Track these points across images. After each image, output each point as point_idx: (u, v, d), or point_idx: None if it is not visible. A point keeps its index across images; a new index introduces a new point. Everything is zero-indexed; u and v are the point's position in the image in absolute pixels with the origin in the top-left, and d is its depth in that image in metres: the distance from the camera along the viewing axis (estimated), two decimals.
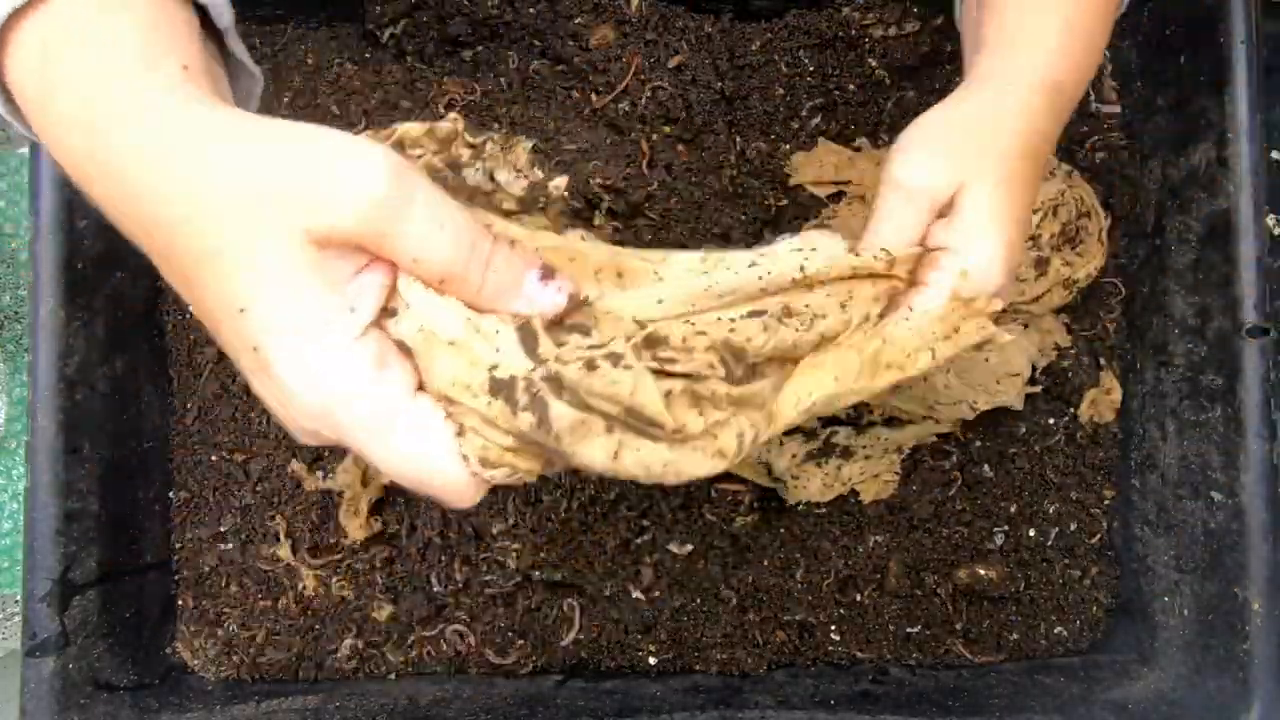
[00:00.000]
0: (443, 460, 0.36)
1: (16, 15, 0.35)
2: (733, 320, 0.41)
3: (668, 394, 0.38)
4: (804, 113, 0.81)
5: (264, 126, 0.36)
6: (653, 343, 0.38)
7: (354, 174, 0.35)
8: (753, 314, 0.42)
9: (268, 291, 0.35)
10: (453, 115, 0.44)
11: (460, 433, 0.37)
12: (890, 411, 0.77)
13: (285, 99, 0.80)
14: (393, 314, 0.37)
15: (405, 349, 0.37)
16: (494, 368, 0.36)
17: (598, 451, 0.37)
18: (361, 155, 0.35)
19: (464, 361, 0.36)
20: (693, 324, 0.40)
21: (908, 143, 0.55)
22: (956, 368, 0.75)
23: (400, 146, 0.41)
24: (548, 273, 0.38)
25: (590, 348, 0.37)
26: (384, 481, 0.76)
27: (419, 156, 0.41)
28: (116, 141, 0.36)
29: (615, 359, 0.36)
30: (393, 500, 0.78)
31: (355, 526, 0.76)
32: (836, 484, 0.79)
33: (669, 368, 0.38)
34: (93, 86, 0.36)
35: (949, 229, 0.53)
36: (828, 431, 0.78)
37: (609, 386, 0.36)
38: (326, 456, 0.78)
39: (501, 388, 0.36)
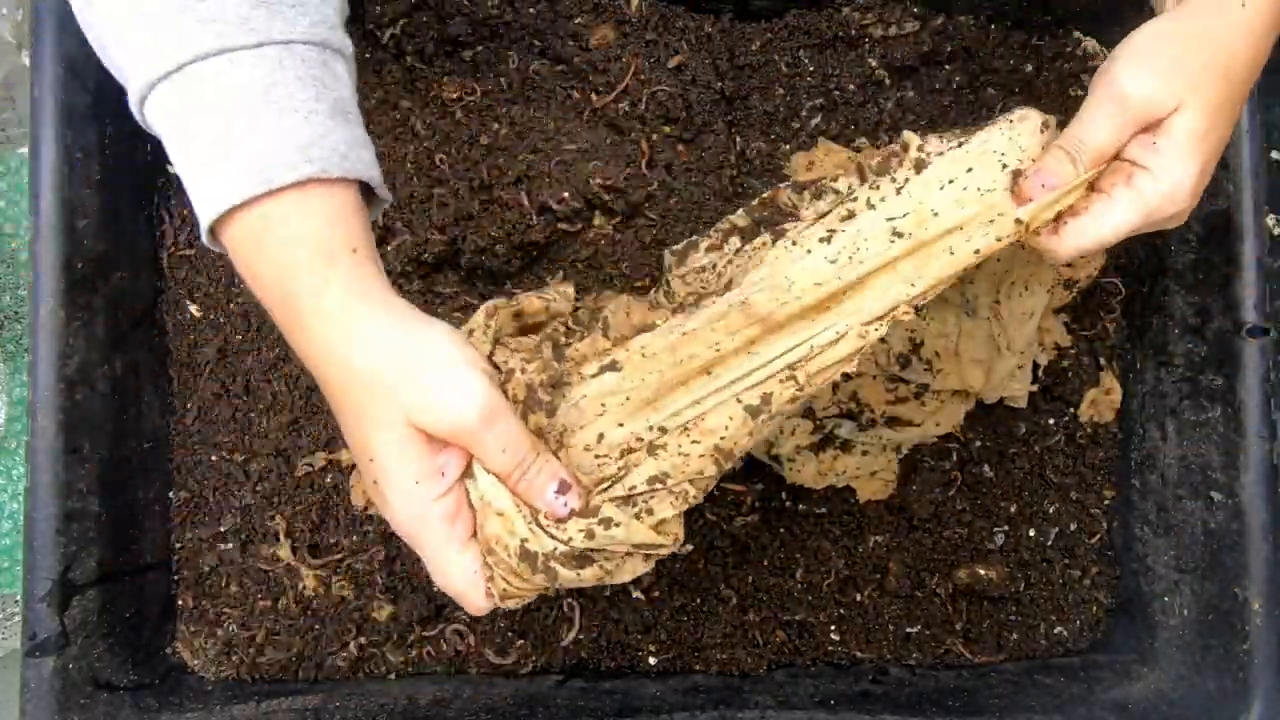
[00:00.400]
0: (474, 593, 0.54)
1: (248, 203, 0.48)
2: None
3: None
4: (804, 113, 0.81)
5: (403, 329, 0.51)
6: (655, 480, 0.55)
7: (457, 403, 0.50)
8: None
9: (387, 450, 0.51)
10: (566, 290, 0.61)
11: (490, 578, 0.54)
12: (891, 412, 0.77)
13: None
14: (471, 476, 0.53)
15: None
16: (525, 540, 0.52)
17: (589, 580, 0.54)
18: (467, 391, 0.50)
19: (506, 529, 0.53)
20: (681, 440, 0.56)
21: (1133, 49, 0.56)
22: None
23: (519, 315, 0.59)
24: (563, 488, 0.53)
25: (591, 522, 0.54)
26: None
27: (522, 372, 0.55)
28: (301, 316, 0.50)
29: (607, 523, 0.53)
30: None
31: (359, 494, 0.76)
32: (831, 474, 0.79)
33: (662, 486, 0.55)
34: (288, 272, 0.49)
35: (1154, 149, 0.55)
36: (832, 424, 0.78)
37: (611, 541, 0.53)
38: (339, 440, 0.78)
39: (527, 556, 0.53)
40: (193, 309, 0.80)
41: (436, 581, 0.55)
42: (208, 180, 0.49)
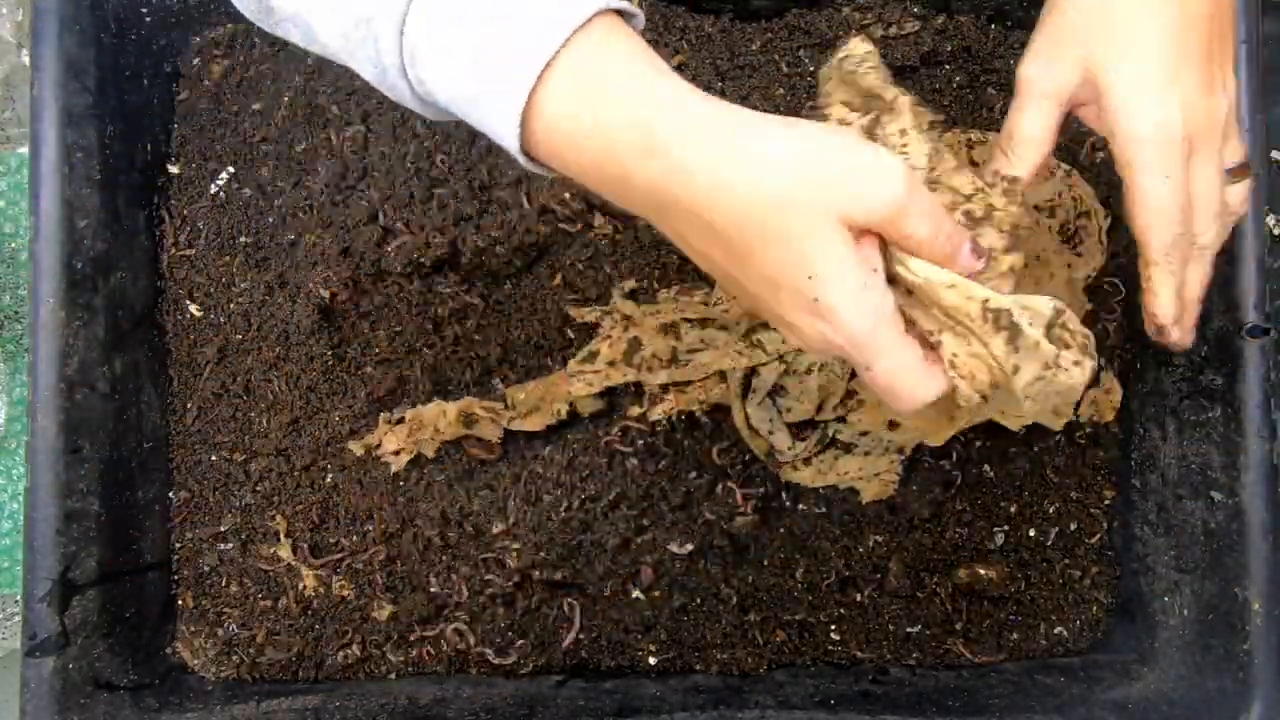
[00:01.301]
0: (931, 379, 0.51)
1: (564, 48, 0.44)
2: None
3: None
4: (804, 112, 0.81)
5: (798, 125, 0.46)
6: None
7: (886, 179, 0.46)
8: None
9: (828, 257, 0.46)
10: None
11: (936, 348, 0.52)
12: (891, 413, 0.77)
13: (285, 99, 0.80)
14: (890, 275, 0.50)
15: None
16: (987, 301, 0.50)
17: (1037, 368, 0.50)
18: (888, 165, 0.46)
19: (961, 296, 0.50)
20: None
21: (1034, 35, 0.55)
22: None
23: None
24: (976, 248, 0.50)
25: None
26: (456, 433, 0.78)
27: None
28: (672, 135, 0.45)
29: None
30: (394, 499, 0.78)
31: (391, 451, 0.77)
32: (831, 474, 0.79)
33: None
34: (640, 99, 0.45)
35: (1104, 115, 0.54)
36: (834, 430, 0.78)
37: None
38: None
39: (990, 313, 0.49)
40: (193, 309, 0.80)
41: (885, 372, 0.50)
42: (517, 41, 0.45)
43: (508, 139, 0.47)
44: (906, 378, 0.50)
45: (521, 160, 0.48)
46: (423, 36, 0.46)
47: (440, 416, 0.76)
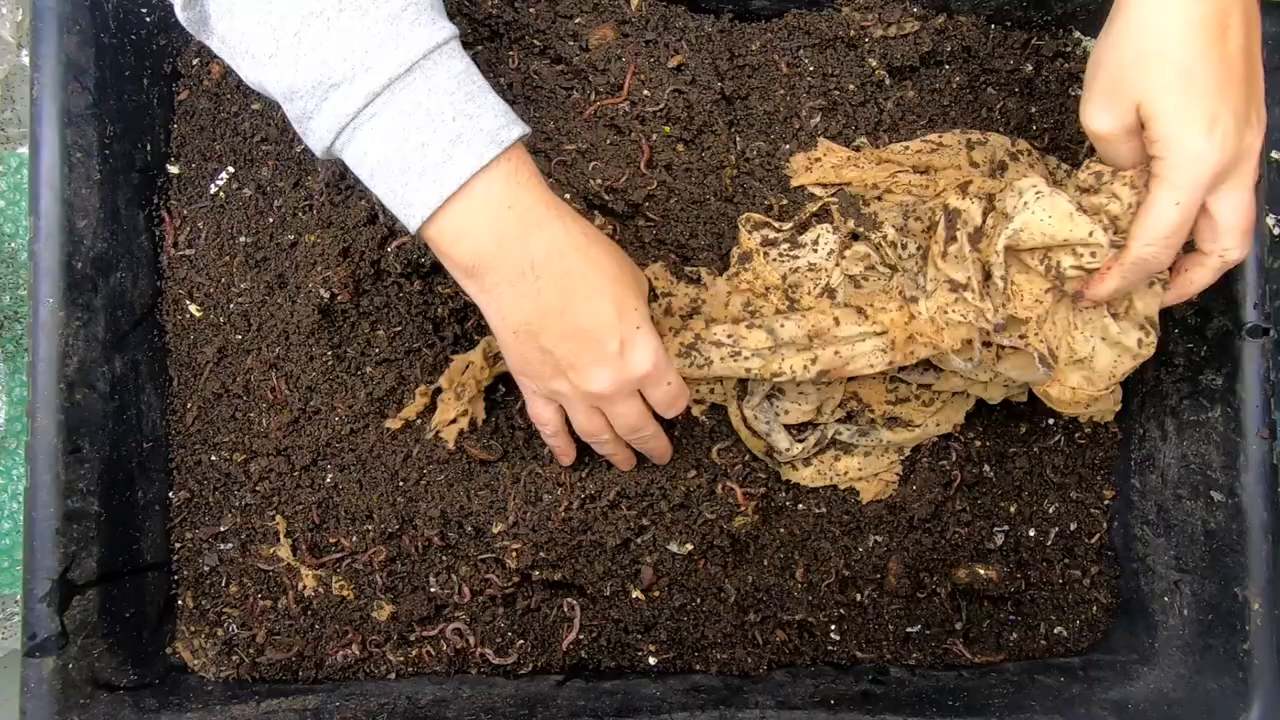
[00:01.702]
0: (678, 378, 0.70)
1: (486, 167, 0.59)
2: None
3: None
4: (804, 113, 0.81)
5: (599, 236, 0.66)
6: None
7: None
8: None
9: (644, 303, 0.66)
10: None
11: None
12: (891, 412, 0.77)
13: None
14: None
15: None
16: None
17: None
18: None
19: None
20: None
21: (1085, 87, 0.63)
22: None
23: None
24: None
25: None
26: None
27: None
28: (543, 226, 0.62)
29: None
30: (394, 499, 0.78)
31: (446, 423, 0.77)
32: (831, 474, 0.79)
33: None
34: (528, 203, 0.61)
35: (1150, 145, 0.60)
36: (834, 430, 0.78)
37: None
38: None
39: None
40: (193, 309, 0.80)
41: (678, 392, 0.69)
42: (453, 155, 0.58)
43: (409, 223, 0.60)
44: (683, 389, 0.69)
45: (410, 224, 0.60)
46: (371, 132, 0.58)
47: (467, 365, 0.76)
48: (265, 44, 0.56)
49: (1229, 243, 0.63)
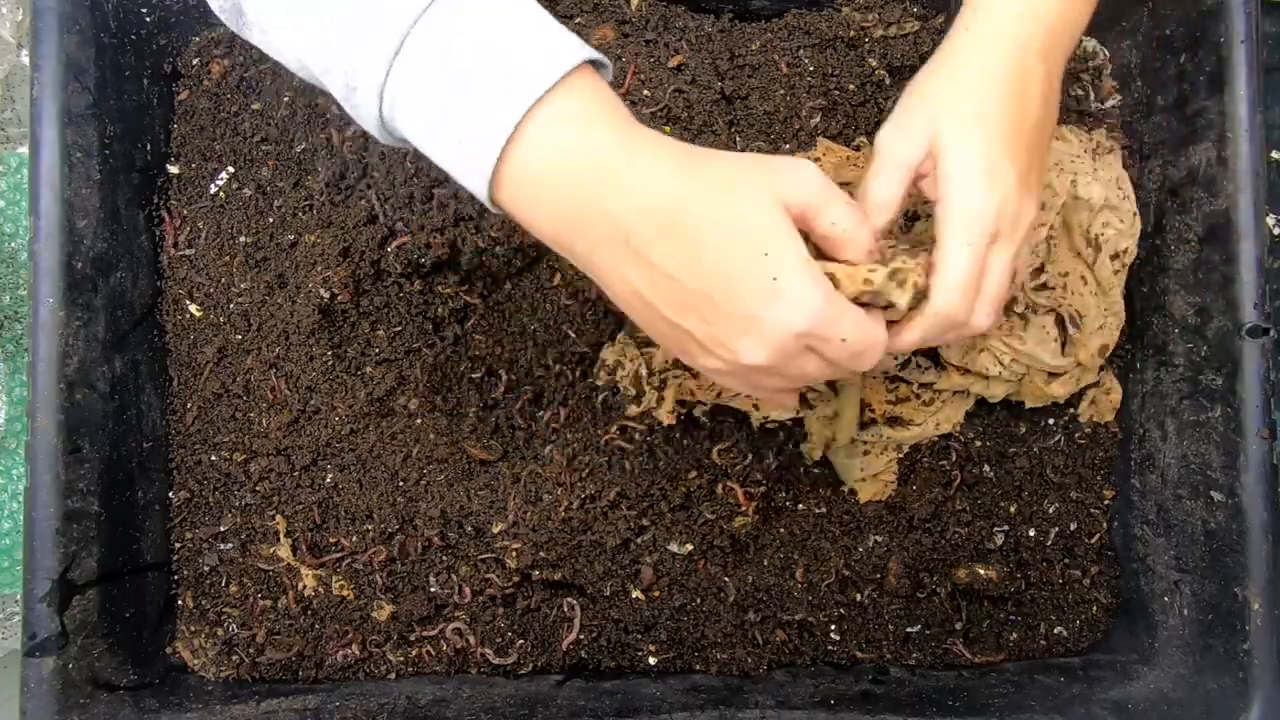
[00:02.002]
0: (871, 324, 0.54)
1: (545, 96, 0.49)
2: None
3: None
4: (804, 113, 0.81)
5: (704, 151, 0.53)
6: None
7: (809, 168, 0.52)
8: None
9: (781, 239, 0.50)
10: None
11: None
12: (891, 412, 0.77)
13: (285, 99, 0.80)
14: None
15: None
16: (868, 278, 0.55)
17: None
18: (805, 161, 0.53)
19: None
20: None
21: (898, 102, 0.60)
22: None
23: None
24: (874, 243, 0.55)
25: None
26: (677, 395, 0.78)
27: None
28: (637, 166, 0.50)
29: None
30: (394, 499, 0.78)
31: (662, 406, 0.76)
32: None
33: None
34: (608, 136, 0.50)
35: (935, 180, 0.58)
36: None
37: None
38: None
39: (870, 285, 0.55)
40: (193, 309, 0.80)
41: (861, 340, 0.53)
42: (508, 82, 0.49)
43: (478, 173, 0.51)
44: (871, 332, 0.53)
45: (478, 185, 0.51)
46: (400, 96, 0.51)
47: (620, 353, 0.77)
48: (290, 9, 0.52)
49: (978, 308, 0.58)
